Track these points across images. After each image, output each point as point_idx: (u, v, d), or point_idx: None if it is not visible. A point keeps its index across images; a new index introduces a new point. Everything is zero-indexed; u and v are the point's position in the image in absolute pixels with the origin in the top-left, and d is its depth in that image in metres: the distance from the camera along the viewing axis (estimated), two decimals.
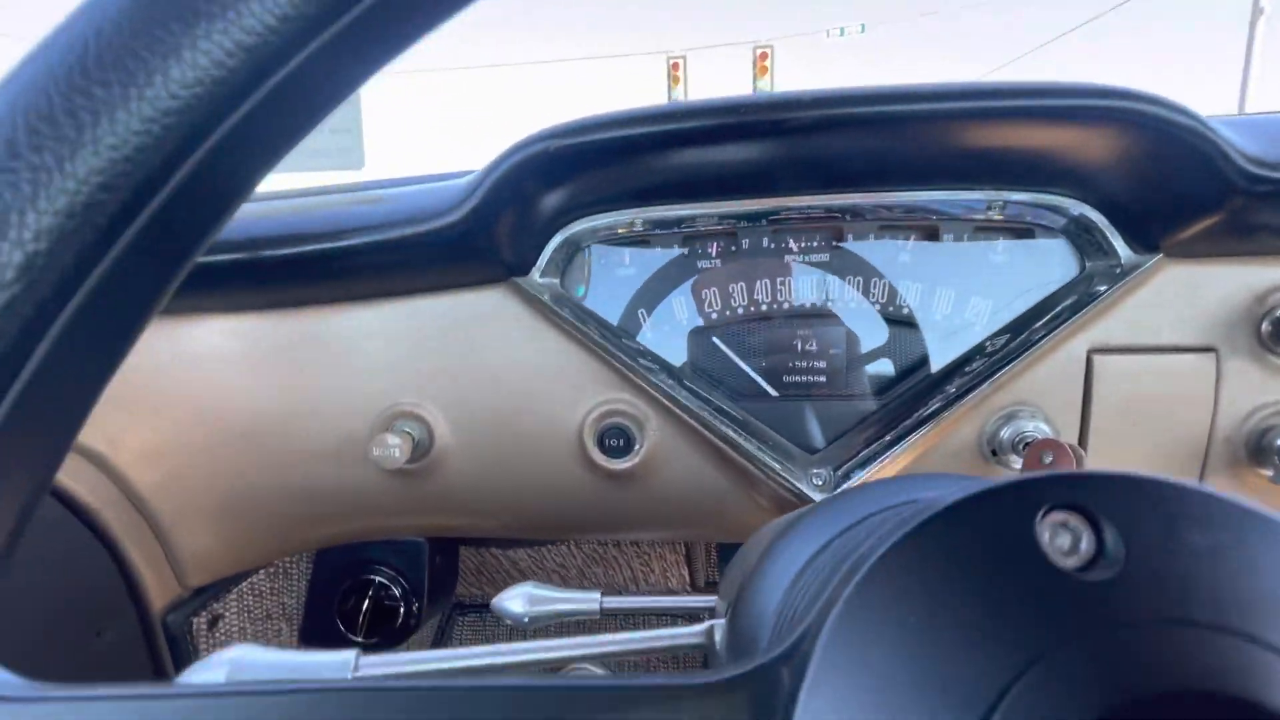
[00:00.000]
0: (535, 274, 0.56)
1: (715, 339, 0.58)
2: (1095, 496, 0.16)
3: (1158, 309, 0.50)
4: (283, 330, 0.58)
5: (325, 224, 0.55)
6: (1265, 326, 0.49)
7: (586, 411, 0.56)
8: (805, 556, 0.21)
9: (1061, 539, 0.16)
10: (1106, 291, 0.50)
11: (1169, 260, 0.50)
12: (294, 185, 0.67)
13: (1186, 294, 0.50)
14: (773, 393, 0.57)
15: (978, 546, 0.16)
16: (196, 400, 0.58)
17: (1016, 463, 0.52)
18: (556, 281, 0.57)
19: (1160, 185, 0.47)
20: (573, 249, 0.57)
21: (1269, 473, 0.50)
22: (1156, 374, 0.51)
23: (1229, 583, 0.14)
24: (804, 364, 0.57)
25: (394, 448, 0.56)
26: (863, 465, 0.55)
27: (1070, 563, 0.15)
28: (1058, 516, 0.16)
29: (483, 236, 0.53)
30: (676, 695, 0.15)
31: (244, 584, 0.71)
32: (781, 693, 0.15)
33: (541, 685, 0.15)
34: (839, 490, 0.47)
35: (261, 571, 0.74)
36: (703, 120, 0.48)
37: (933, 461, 0.54)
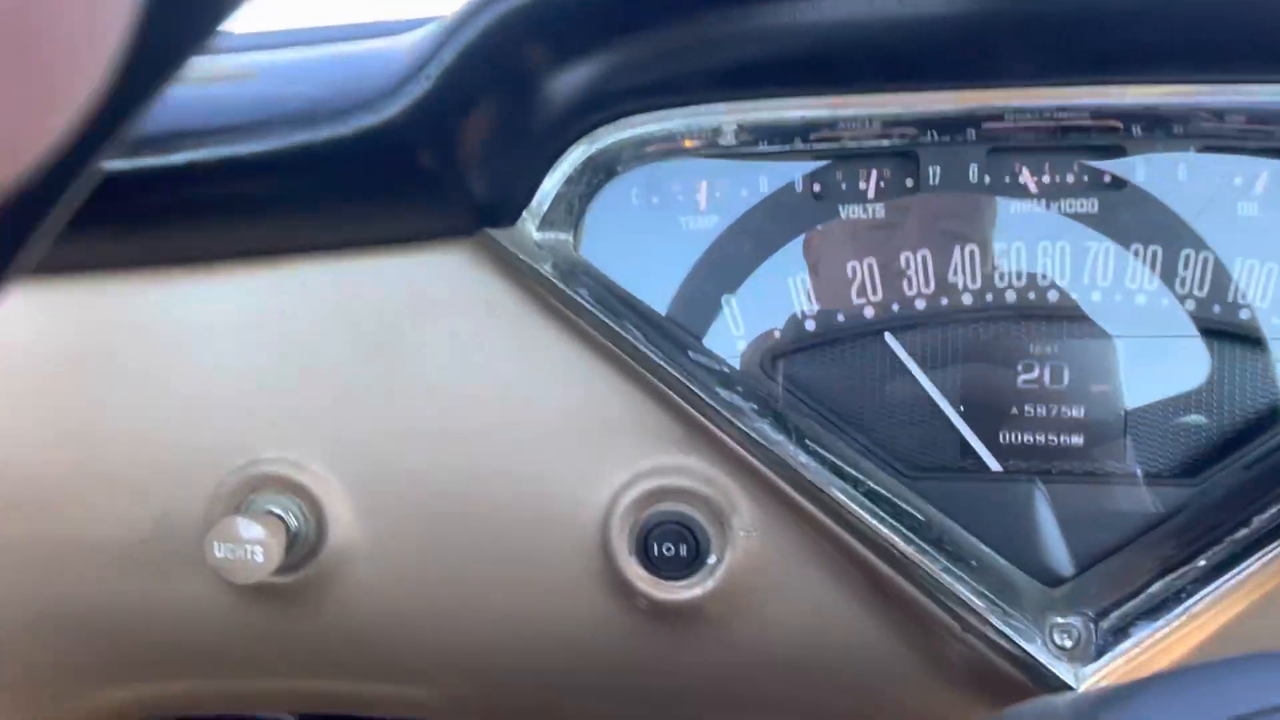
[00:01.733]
0: (528, 221, 0.29)
1: (870, 355, 0.31)
2: None
3: None
4: (60, 312, 0.32)
5: (151, 123, 0.28)
6: None
7: (618, 488, 0.30)
8: None
9: None
10: None
11: None
12: None
13: None
14: (992, 464, 0.30)
15: None
16: None
17: None
18: (566, 237, 0.31)
19: None
20: (599, 177, 0.31)
21: None
22: None
23: None
24: (1040, 411, 0.30)
25: (252, 544, 0.29)
26: (1153, 614, 0.28)
27: None
28: None
29: (436, 148, 0.27)
30: None
31: None
32: None
33: None
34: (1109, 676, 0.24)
35: None
36: None
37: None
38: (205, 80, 0.31)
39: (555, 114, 0.29)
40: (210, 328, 0.31)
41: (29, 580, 0.32)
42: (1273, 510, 0.28)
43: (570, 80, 0.28)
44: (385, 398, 0.30)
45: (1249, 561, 0.28)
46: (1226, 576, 0.28)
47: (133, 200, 0.30)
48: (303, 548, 0.31)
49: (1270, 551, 0.28)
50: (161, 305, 0.32)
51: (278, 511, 0.30)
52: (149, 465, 0.31)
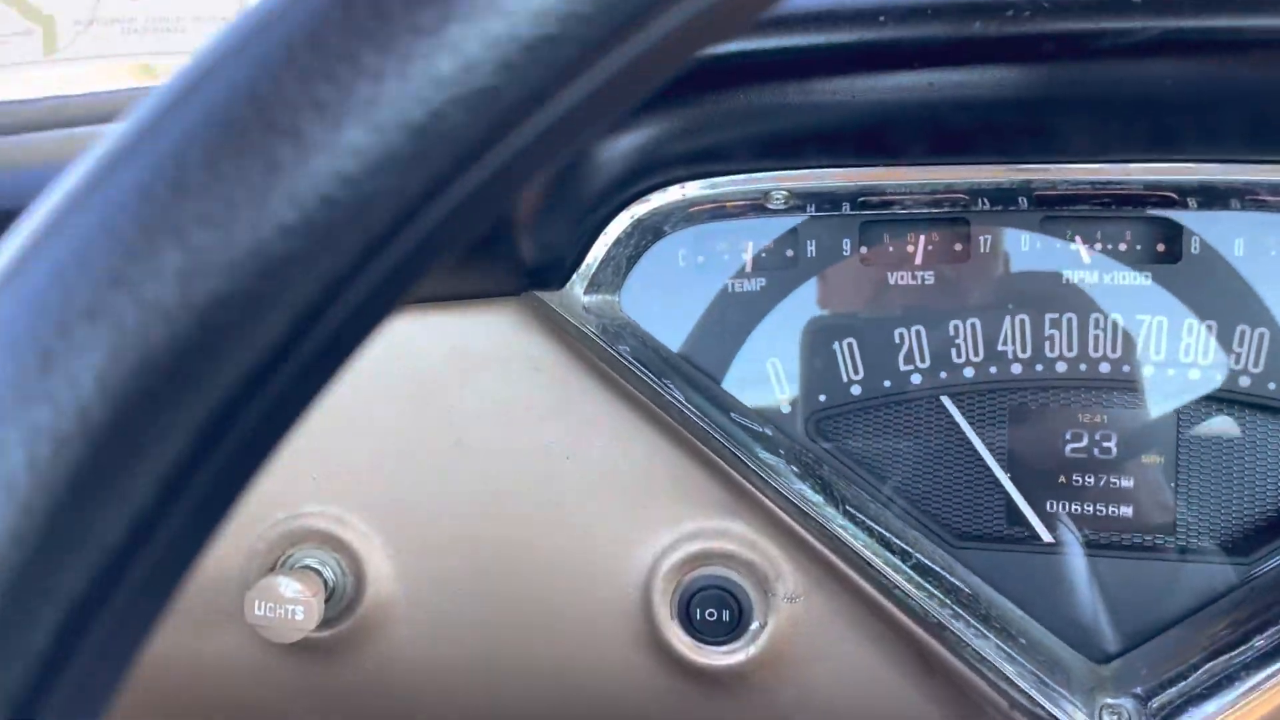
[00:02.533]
0: (577, 285, 0.29)
1: (917, 420, 0.31)
2: None
3: None
4: None
5: None
6: None
7: (660, 550, 0.30)
8: None
9: None
10: None
11: None
12: None
13: None
14: (1044, 534, 0.29)
15: None
16: None
17: None
18: (614, 298, 0.31)
19: None
20: (646, 239, 0.31)
21: None
22: None
23: None
24: (1092, 482, 0.30)
25: (294, 604, 0.29)
26: (1205, 696, 0.28)
27: None
28: None
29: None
30: None
31: None
32: None
33: None
34: None
35: None
36: (928, 29, 0.22)
37: None
38: None
39: (606, 182, 0.29)
40: None
41: None
42: None
43: (620, 149, 0.28)
44: (429, 454, 0.30)
45: None
46: None
47: None
48: (340, 603, 0.31)
49: None
50: None
51: (316, 566, 0.30)
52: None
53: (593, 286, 0.30)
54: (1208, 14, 0.25)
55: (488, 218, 0.11)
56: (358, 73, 0.08)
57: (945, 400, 0.31)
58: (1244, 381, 0.29)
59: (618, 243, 0.30)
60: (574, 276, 0.29)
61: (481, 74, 0.09)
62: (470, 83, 0.09)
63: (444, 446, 0.30)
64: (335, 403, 0.31)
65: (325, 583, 0.30)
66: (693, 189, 0.29)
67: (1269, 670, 0.28)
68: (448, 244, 0.10)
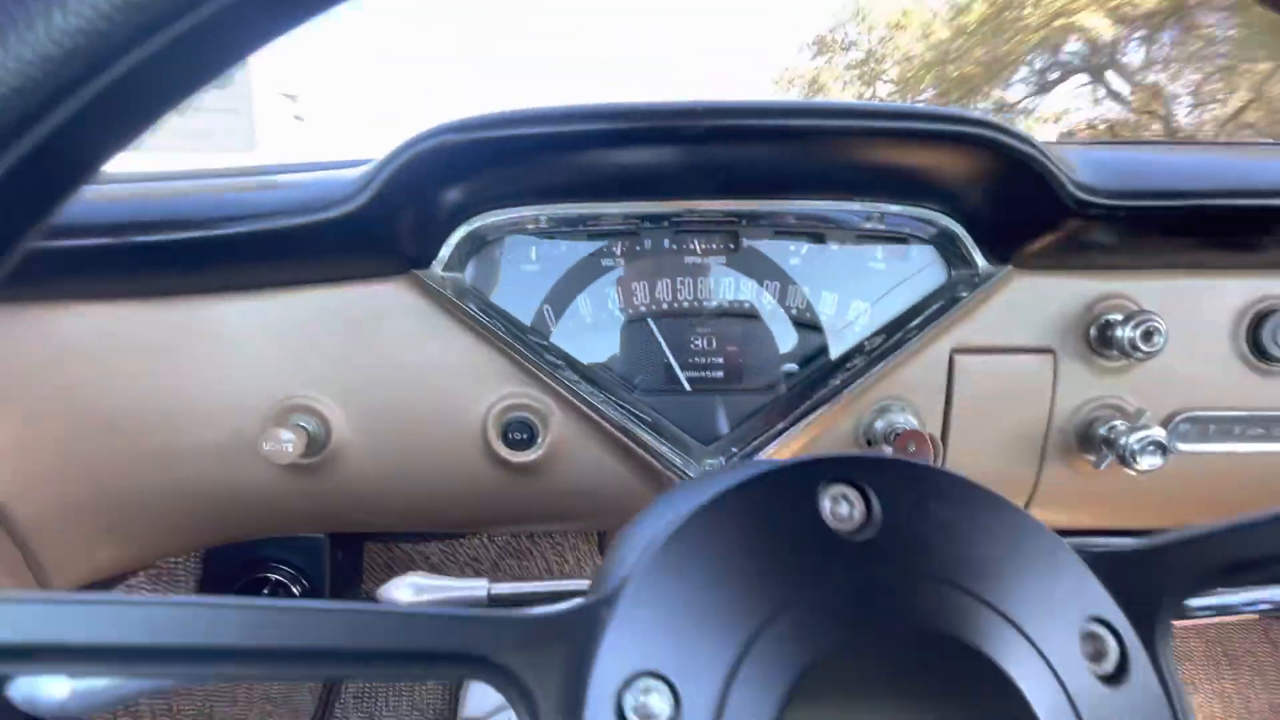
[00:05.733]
0: (437, 267, 0.55)
1: (622, 336, 0.60)
2: (864, 474, 0.20)
3: (1008, 314, 0.57)
4: (160, 320, 0.54)
5: (208, 209, 0.52)
6: (1093, 332, 0.57)
7: (490, 405, 0.57)
8: (652, 529, 0.24)
9: (841, 508, 0.19)
10: (967, 297, 0.56)
11: (1018, 271, 0.56)
12: (179, 167, 0.62)
13: (1032, 302, 0.57)
14: (686, 387, 0.59)
15: (766, 510, 0.20)
16: (58, 394, 0.54)
17: (888, 452, 0.58)
18: (461, 275, 0.57)
19: (1008, 203, 0.52)
20: (479, 242, 0.57)
21: (1093, 458, 0.58)
22: (1006, 372, 0.57)
23: (959, 547, 0.18)
24: (705, 360, 0.60)
25: (287, 442, 0.54)
26: (757, 449, 0.59)
27: (844, 526, 0.19)
28: (837, 489, 0.20)
29: (379, 229, 0.52)
30: (514, 625, 0.19)
31: (120, 588, 0.67)
32: (597, 626, 0.19)
33: (383, 611, 0.18)
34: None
35: (142, 574, 0.69)
36: (603, 124, 0.49)
37: (817, 450, 0.59)
38: (240, 187, 0.55)
39: (446, 210, 0.55)
40: (252, 326, 0.55)
41: (147, 471, 0.55)
42: (803, 405, 0.59)
43: (452, 194, 0.54)
44: (361, 364, 0.56)
45: (797, 427, 0.59)
46: (787, 434, 0.59)
47: (198, 253, 0.53)
48: (316, 444, 0.56)
49: (806, 422, 0.58)
50: (220, 314, 0.55)
51: (302, 422, 0.55)
52: (224, 400, 0.55)
53: (448, 268, 0.56)
54: (751, 118, 0.54)
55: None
56: None
57: (650, 322, 0.60)
58: (767, 305, 0.60)
59: (461, 243, 0.56)
60: (435, 262, 0.55)
61: None
62: None
63: (368, 358, 0.56)
64: (304, 336, 0.56)
65: (307, 433, 0.55)
66: (496, 215, 0.56)
67: (780, 437, 0.59)
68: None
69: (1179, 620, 0.20)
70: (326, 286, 0.55)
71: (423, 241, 0.54)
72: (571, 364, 0.58)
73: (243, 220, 0.51)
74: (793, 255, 0.60)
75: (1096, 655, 0.18)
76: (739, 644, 0.18)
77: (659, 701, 0.18)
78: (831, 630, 0.18)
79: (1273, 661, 1.10)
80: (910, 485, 0.20)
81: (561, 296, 0.59)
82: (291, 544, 0.68)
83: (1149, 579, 0.19)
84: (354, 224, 0.50)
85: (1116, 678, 0.18)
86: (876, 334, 0.59)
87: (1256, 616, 1.10)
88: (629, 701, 0.18)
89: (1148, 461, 0.54)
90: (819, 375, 0.59)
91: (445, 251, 0.55)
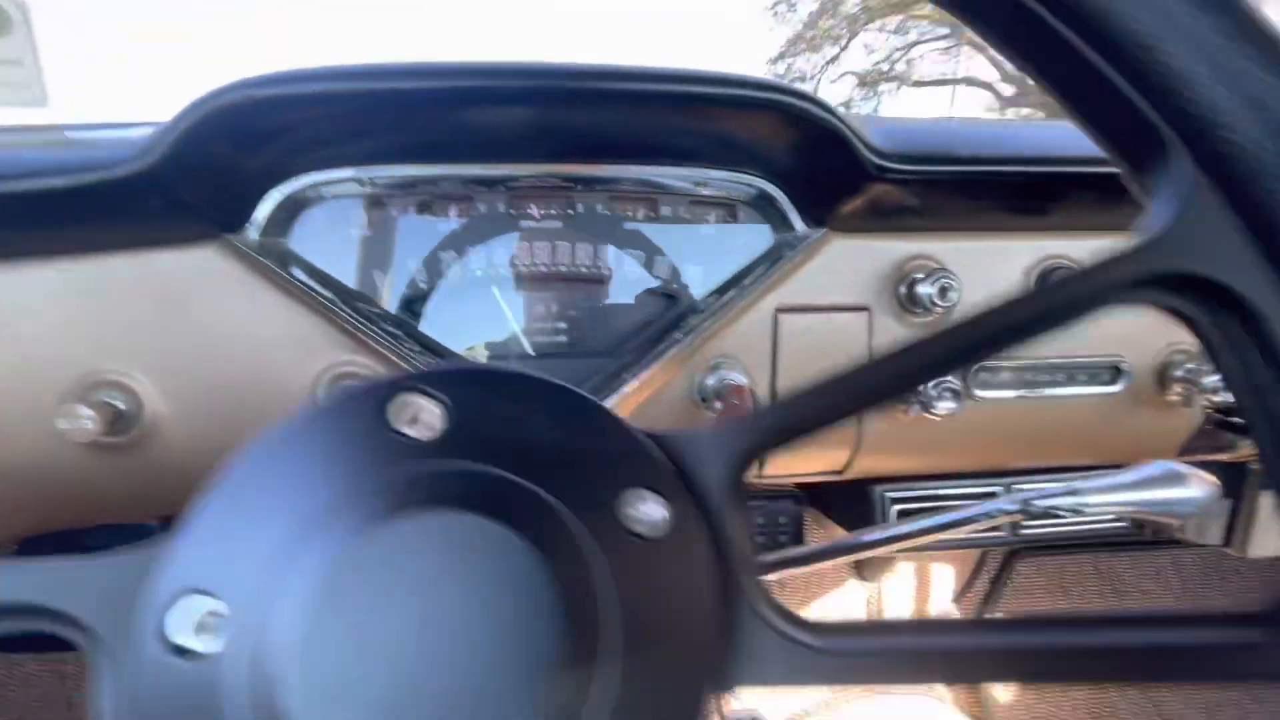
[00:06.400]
0: (251, 231, 0.53)
1: (458, 301, 0.59)
2: (431, 382, 0.22)
3: (826, 274, 0.61)
4: None
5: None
6: (902, 290, 0.61)
7: (317, 374, 0.55)
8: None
9: (424, 416, 0.22)
10: (788, 258, 0.60)
11: (834, 234, 0.60)
12: None
13: (847, 262, 0.61)
14: (530, 351, 0.60)
15: (335, 426, 0.22)
16: None
17: (720, 408, 0.61)
18: (282, 240, 0.55)
19: (816, 169, 0.56)
20: (297, 205, 0.55)
21: (904, 407, 0.63)
22: (825, 329, 0.61)
23: (518, 436, 0.21)
24: (548, 325, 0.61)
25: (85, 419, 0.51)
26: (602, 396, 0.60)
27: (425, 435, 0.21)
28: (405, 398, 0.22)
29: (176, 190, 0.49)
30: (74, 569, 0.21)
31: None
32: (151, 560, 0.21)
33: None
34: None
35: None
36: (415, 83, 0.49)
37: (654, 409, 0.61)
38: (22, 144, 0.51)
39: (251, 173, 0.52)
40: (46, 295, 0.51)
41: None
42: (638, 365, 0.61)
43: (257, 156, 0.52)
44: (173, 335, 0.53)
45: (628, 386, 0.60)
46: (620, 392, 0.61)
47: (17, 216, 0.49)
48: (126, 421, 0.53)
49: (638, 381, 0.60)
50: (4, 282, 0.51)
51: (108, 398, 0.52)
52: (17, 376, 0.51)
53: (264, 232, 0.54)
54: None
55: None
56: None
57: (493, 288, 0.60)
58: (605, 269, 0.62)
59: (277, 207, 0.54)
60: (249, 226, 0.53)
61: None
62: None
63: (177, 325, 0.53)
64: (113, 305, 0.53)
65: (114, 409, 0.52)
66: (317, 175, 0.55)
67: (620, 393, 0.60)
68: None
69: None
70: (129, 253, 0.52)
71: (230, 204, 0.52)
72: (409, 331, 0.58)
73: (21, 179, 0.47)
74: (629, 221, 0.61)
75: (638, 520, 0.21)
76: (285, 547, 0.19)
77: (208, 618, 0.19)
78: (370, 522, 0.19)
79: (1097, 590, 1.24)
80: (480, 387, 0.22)
81: (395, 263, 0.58)
82: (119, 532, 0.64)
83: (706, 453, 0.22)
84: (145, 183, 0.48)
85: (659, 539, 0.21)
86: (709, 296, 0.62)
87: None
88: (176, 619, 0.19)
89: (944, 406, 0.59)
90: (655, 335, 0.61)
91: (261, 215, 0.53)
